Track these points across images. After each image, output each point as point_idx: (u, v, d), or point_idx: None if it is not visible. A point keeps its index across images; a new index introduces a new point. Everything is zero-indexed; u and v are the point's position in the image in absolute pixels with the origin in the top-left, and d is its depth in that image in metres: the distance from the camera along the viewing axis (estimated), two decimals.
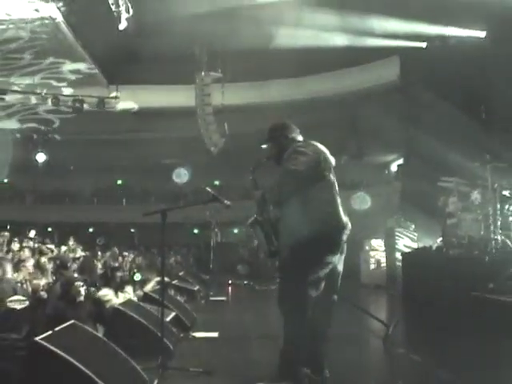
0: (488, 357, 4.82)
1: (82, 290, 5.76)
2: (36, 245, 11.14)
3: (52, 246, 11.58)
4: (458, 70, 9.54)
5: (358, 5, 11.69)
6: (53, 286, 6.46)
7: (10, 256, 8.22)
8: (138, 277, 8.31)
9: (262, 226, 3.98)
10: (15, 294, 5.13)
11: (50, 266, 7.39)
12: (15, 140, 21.97)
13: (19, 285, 5.74)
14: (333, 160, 3.94)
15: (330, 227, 3.72)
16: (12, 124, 21.31)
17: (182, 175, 23.44)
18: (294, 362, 3.65)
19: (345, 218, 3.85)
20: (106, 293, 6.70)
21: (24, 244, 10.93)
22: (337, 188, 3.90)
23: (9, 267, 6.01)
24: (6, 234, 9.84)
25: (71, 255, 10.29)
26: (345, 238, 3.85)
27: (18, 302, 5.03)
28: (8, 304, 4.96)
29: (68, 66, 17.02)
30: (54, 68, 17.28)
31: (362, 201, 17.22)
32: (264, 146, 4.05)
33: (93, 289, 6.32)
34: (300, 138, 4.03)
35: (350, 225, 3.88)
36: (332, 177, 3.88)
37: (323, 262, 3.71)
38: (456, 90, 9.51)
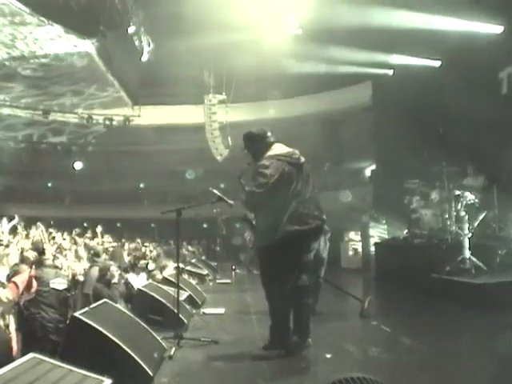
0: (444, 325, 4.84)
1: (116, 274, 5.79)
2: (74, 237, 11.14)
3: (87, 239, 11.60)
4: (418, 92, 9.60)
5: (338, 38, 11.72)
6: (88, 270, 6.47)
7: (54, 246, 8.23)
8: (151, 266, 8.29)
9: (249, 222, 4.05)
10: (56, 277, 5.15)
11: (85, 255, 7.40)
12: (57, 151, 21.97)
13: (62, 271, 5.74)
14: (300, 159, 3.80)
15: (283, 235, 3.57)
16: (55, 138, 21.30)
17: (192, 179, 23.46)
18: (283, 333, 3.68)
19: (313, 217, 3.70)
20: (132, 276, 6.73)
21: (64, 237, 10.95)
22: (304, 187, 3.73)
23: (50, 255, 6.02)
24: (53, 228, 9.81)
25: (103, 246, 10.31)
26: (308, 241, 3.75)
27: (58, 284, 5.05)
28: (51, 285, 4.99)
29: (100, 90, 17.03)
30: (88, 91, 17.28)
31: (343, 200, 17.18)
32: (246, 152, 4.01)
33: (123, 273, 6.35)
34: (271, 139, 3.88)
35: (323, 221, 3.80)
36: (295, 183, 3.69)
37: (282, 262, 3.62)
38: (417, 109, 9.56)
